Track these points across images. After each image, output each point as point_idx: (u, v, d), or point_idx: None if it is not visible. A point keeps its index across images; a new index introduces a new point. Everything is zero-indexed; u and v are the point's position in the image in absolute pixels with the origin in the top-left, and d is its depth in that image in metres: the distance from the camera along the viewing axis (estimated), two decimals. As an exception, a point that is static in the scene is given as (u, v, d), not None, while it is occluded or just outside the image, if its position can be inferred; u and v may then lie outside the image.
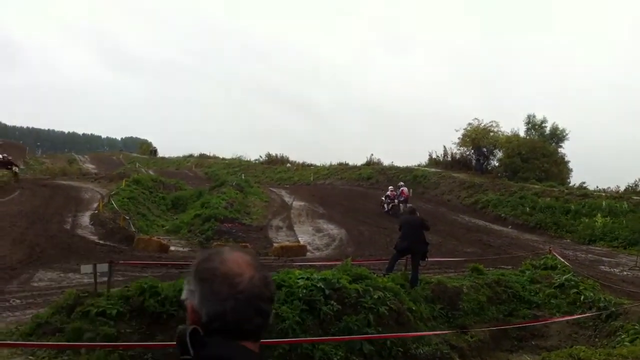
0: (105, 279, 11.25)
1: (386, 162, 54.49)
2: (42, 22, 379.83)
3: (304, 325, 11.10)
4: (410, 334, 12.10)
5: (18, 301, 13.14)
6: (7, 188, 34.16)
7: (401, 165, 50.82)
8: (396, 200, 34.68)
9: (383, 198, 35.90)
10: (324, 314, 11.41)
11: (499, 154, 47.52)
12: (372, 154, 56.49)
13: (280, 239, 26.35)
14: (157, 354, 8.94)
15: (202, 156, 73.92)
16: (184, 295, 1.80)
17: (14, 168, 37.96)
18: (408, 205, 28.03)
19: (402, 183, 37.89)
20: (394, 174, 47.94)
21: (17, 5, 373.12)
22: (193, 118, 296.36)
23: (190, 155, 75.08)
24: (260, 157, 67.25)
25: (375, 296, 12.37)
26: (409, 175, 46.32)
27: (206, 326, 1.72)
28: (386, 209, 34.80)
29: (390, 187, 36.57)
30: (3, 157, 38.72)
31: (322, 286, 11.86)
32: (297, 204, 36.87)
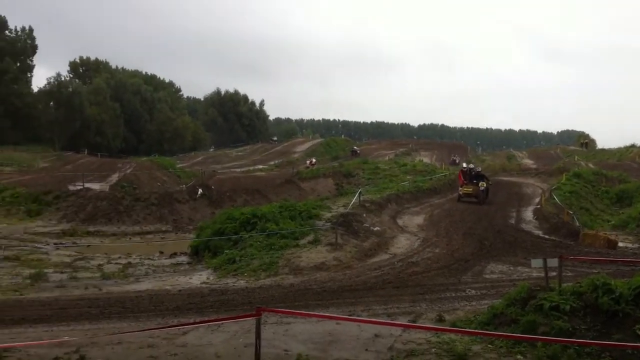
0: (554, 273, 11.26)
1: None
2: (477, 26, 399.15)
3: None
4: None
5: (473, 291, 14.12)
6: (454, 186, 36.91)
7: None
8: None
9: None
10: None
11: None
12: None
13: None
14: (615, 354, 8.56)
15: (648, 145, 67.87)
16: None
17: (480, 184, 31.03)
18: None
19: None
20: None
21: (451, 15, 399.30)
22: (633, 105, 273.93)
23: (632, 145, 69.57)
24: None
25: None
26: None
27: None
28: None
29: None
30: (470, 168, 33.62)
31: None
32: None
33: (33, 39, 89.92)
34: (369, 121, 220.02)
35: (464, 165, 36.72)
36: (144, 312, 12.08)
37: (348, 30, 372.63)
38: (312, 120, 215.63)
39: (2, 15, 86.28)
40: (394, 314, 11.82)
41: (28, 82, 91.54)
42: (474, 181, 31.29)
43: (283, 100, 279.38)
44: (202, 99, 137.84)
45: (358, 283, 15.08)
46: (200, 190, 32.65)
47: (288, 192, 34.71)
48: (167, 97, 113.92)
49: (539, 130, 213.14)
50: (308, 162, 59.14)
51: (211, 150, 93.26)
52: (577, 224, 23.85)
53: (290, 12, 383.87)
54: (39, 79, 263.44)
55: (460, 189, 31.73)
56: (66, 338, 9.51)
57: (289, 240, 19.52)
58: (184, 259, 20.56)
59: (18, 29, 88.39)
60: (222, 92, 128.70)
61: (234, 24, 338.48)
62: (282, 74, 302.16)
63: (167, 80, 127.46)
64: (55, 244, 23.12)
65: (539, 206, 28.66)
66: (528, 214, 27.63)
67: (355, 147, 75.35)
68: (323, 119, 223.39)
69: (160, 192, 33.96)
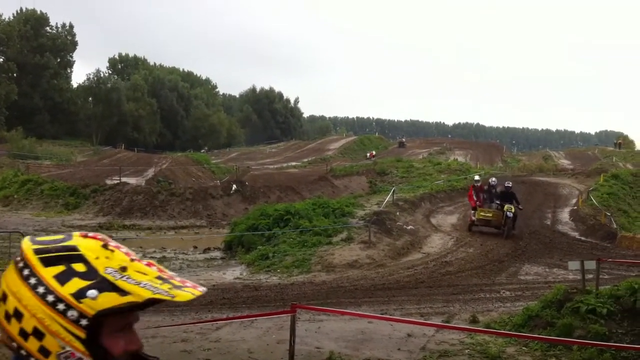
0: (591, 276, 11.09)
1: None
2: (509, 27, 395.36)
3: None
4: None
5: (508, 293, 13.98)
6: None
7: None
8: None
9: None
10: None
11: None
12: None
13: None
14: (652, 359, 8.43)
15: None
16: None
17: (506, 207, 21.58)
18: None
19: None
20: None
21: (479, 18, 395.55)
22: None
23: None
24: None
25: None
26: None
27: None
28: None
29: None
30: (490, 185, 23.58)
31: None
32: None
33: (73, 35, 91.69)
34: (403, 119, 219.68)
35: (477, 177, 25.29)
36: (178, 307, 12.16)
37: (385, 27, 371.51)
38: (347, 118, 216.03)
39: (44, 12, 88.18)
40: (427, 314, 11.76)
41: (68, 77, 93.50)
42: (497, 202, 22.07)
43: (318, 97, 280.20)
44: (237, 96, 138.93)
45: (391, 282, 15.05)
46: (234, 186, 32.86)
47: (321, 189, 34.72)
48: (203, 93, 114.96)
49: (577, 131, 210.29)
50: (369, 154, 63.25)
51: (227, 150, 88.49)
52: (615, 226, 23.41)
53: (326, 11, 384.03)
54: (79, 75, 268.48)
55: (473, 212, 22.65)
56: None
57: (322, 237, 19.55)
58: (217, 254, 20.73)
59: (59, 25, 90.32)
60: (257, 89, 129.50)
61: (270, 23, 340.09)
62: (317, 72, 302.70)
63: (203, 77, 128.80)
64: (92, 237, 23.47)
65: (575, 207, 28.19)
66: (564, 215, 27.21)
67: (403, 139, 78.62)
68: (357, 117, 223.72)
69: (195, 187, 34.28)
